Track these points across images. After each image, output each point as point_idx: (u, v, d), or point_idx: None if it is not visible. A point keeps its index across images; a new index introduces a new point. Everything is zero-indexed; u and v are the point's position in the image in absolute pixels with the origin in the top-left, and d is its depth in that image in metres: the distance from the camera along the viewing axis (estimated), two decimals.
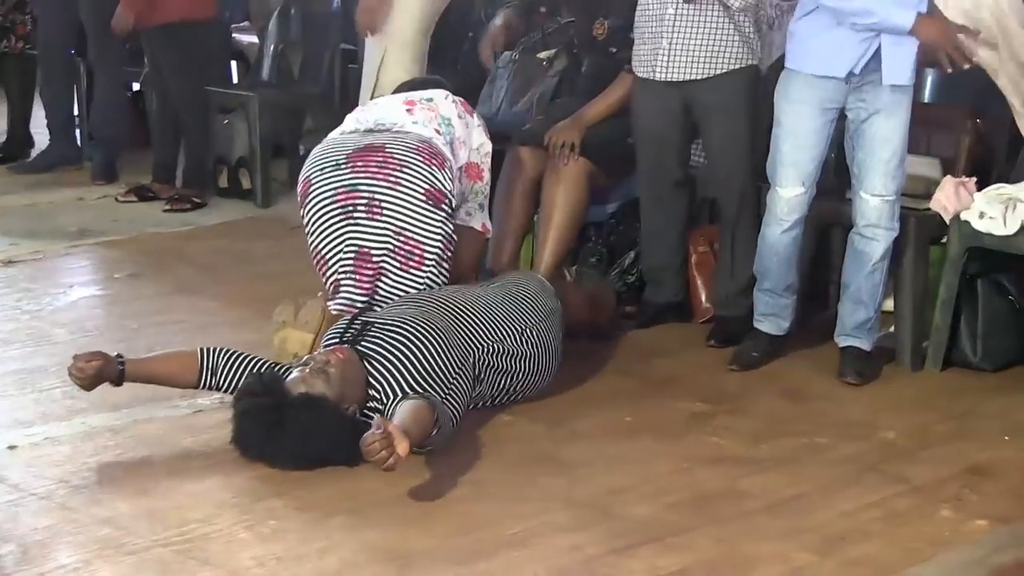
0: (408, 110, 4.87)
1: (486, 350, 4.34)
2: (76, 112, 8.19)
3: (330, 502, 3.81)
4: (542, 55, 5.97)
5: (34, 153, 8.13)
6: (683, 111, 5.14)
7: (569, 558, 3.53)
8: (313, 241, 4.66)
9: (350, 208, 4.58)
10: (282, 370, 4.18)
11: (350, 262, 4.59)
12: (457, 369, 4.20)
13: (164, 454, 4.13)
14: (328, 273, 4.65)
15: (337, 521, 3.71)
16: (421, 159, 4.61)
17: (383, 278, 4.59)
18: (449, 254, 4.67)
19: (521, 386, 4.47)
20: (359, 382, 4.10)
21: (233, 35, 8.18)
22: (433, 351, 4.16)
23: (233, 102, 7.36)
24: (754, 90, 5.13)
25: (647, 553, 3.55)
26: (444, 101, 4.94)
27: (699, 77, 5.05)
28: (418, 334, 4.19)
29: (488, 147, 5.01)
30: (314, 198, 4.64)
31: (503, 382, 4.41)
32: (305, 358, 4.14)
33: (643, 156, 5.29)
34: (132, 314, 5.45)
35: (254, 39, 8.05)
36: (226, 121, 7.35)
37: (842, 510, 3.84)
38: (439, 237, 4.61)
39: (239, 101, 7.30)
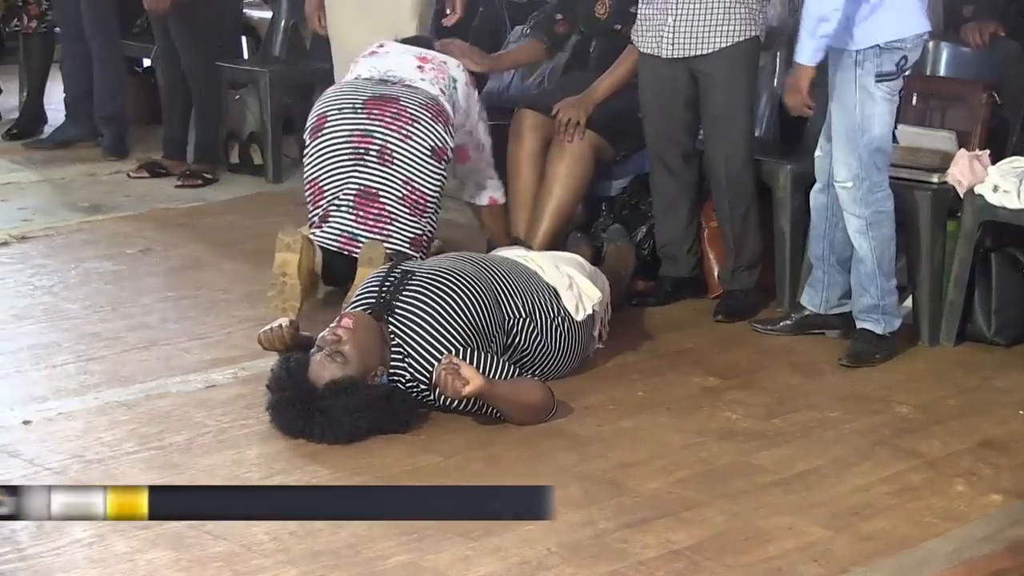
0: (420, 67, 5.18)
1: (520, 320, 4.35)
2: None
3: (343, 476, 3.82)
4: None
5: (47, 130, 8.11)
6: (689, 84, 5.12)
7: (582, 533, 3.53)
8: (315, 172, 5.02)
9: (362, 151, 4.96)
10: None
11: (351, 198, 4.94)
12: (495, 330, 4.26)
13: (177, 429, 4.13)
14: (321, 203, 4.97)
15: None
16: (430, 115, 5.01)
17: (394, 222, 4.95)
18: (440, 205, 5.10)
19: (539, 369, 4.43)
20: (376, 343, 4.12)
21: (244, 11, 8.15)
22: (474, 305, 4.21)
23: (244, 78, 7.34)
24: (755, 61, 5.12)
25: (660, 528, 3.56)
26: (455, 66, 5.27)
27: (705, 52, 5.03)
28: (460, 287, 4.23)
29: (480, 124, 5.36)
30: (328, 134, 5.01)
31: (523, 357, 4.39)
32: (317, 340, 4.14)
33: (651, 129, 5.28)
34: (144, 289, 5.45)
35: (265, 15, 8.02)
36: (237, 97, 7.35)
37: (855, 485, 3.84)
38: (439, 188, 5.03)
39: (250, 77, 7.28)
